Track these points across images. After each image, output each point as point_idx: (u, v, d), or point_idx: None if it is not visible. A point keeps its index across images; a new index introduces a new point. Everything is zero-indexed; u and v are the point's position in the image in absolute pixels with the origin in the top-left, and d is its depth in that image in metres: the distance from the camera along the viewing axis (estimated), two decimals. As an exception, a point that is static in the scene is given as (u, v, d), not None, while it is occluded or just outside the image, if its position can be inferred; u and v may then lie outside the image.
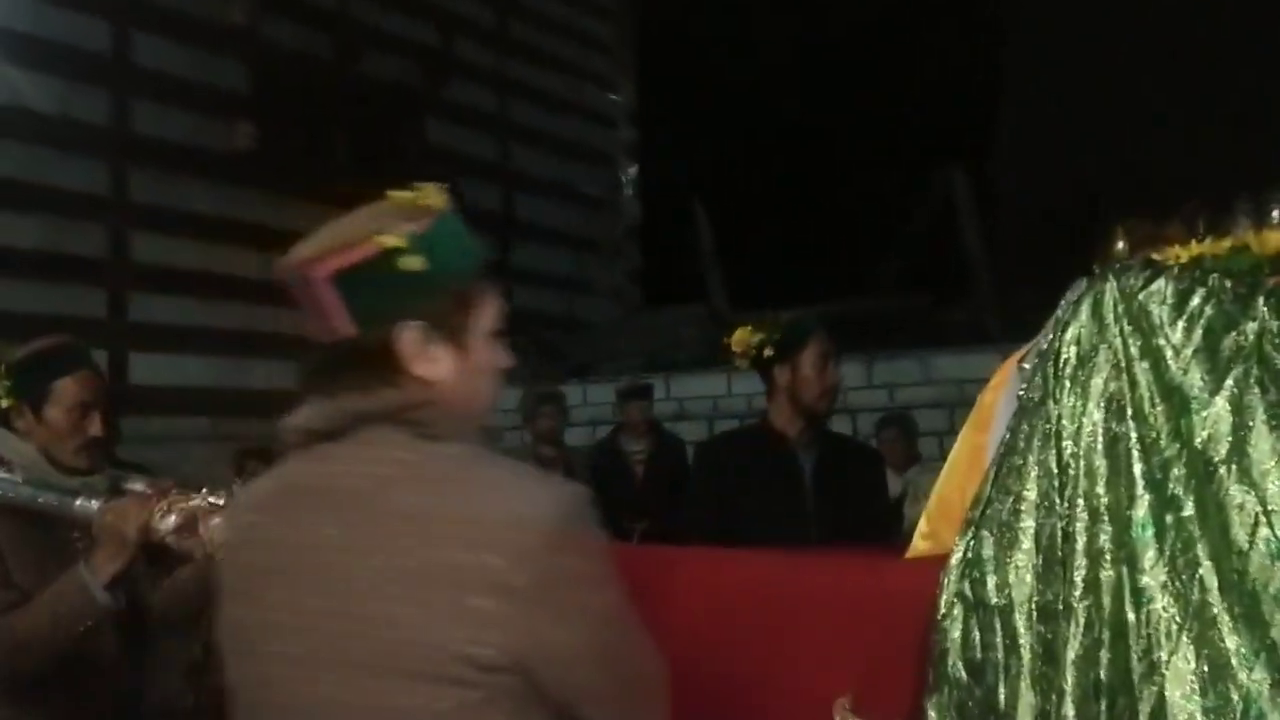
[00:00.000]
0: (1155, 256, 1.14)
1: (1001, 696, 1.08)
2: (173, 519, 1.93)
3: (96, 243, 6.14)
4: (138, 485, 2.09)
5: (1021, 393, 1.18)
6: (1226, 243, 1.12)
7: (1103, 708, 1.01)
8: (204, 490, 1.99)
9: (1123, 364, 1.08)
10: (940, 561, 1.17)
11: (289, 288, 1.21)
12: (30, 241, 5.74)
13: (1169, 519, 1.02)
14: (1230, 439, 1.02)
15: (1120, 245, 1.26)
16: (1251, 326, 1.04)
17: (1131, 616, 1.01)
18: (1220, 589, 0.99)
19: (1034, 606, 1.08)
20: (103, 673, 2.12)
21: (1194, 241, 1.13)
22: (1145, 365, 1.07)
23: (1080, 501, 1.07)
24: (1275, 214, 1.14)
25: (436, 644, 1.06)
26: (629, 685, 1.15)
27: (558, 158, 9.16)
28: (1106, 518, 1.05)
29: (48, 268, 5.80)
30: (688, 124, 10.14)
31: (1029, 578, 1.09)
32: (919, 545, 1.30)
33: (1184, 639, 0.99)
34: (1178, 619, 0.99)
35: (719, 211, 10.13)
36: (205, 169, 6.54)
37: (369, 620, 1.08)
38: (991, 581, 1.11)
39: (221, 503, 1.93)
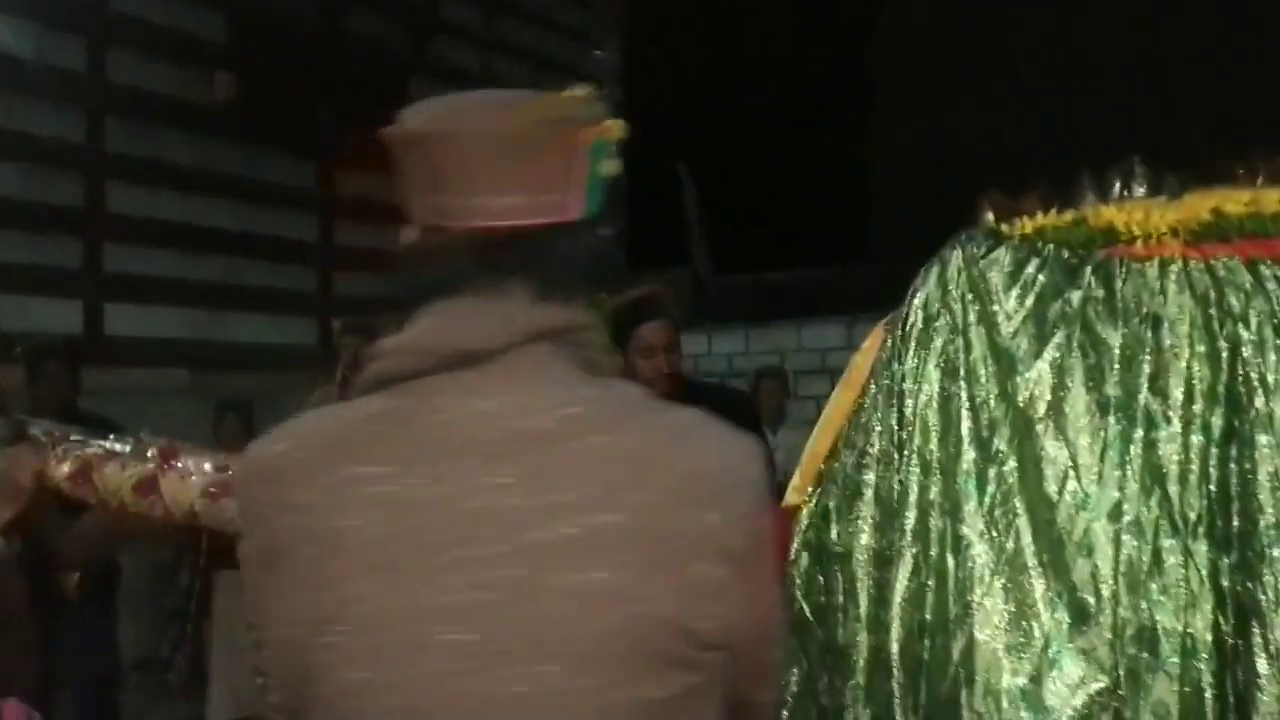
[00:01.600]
0: (1003, 228, 1.20)
1: (840, 637, 1.16)
2: (66, 466, 1.91)
3: (72, 193, 6.15)
4: (38, 432, 2.06)
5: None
6: (1068, 216, 1.18)
7: (925, 647, 1.09)
8: (110, 438, 1.99)
9: (960, 327, 1.14)
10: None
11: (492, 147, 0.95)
12: (5, 190, 5.76)
13: (991, 472, 1.09)
14: (1049, 399, 1.09)
15: (987, 217, 1.32)
16: (1077, 295, 1.11)
17: (951, 562, 1.09)
18: (1033, 537, 1.07)
19: (871, 554, 1.16)
20: (11, 618, 2.13)
21: (1039, 214, 1.20)
22: (980, 329, 1.13)
23: (915, 456, 1.14)
24: (1116, 189, 1.20)
25: (657, 618, 0.88)
26: (777, 669, 1.07)
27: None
28: (937, 471, 1.12)
29: (24, 217, 5.83)
30: (674, 85, 10.14)
31: (868, 527, 1.17)
32: (790, 498, 1.38)
33: (996, 583, 1.06)
34: (991, 564, 1.07)
35: (704, 175, 10.15)
36: (184, 121, 6.55)
37: (565, 593, 0.88)
38: (835, 530, 1.18)
39: (123, 450, 1.93)
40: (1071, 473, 1.07)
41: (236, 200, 6.88)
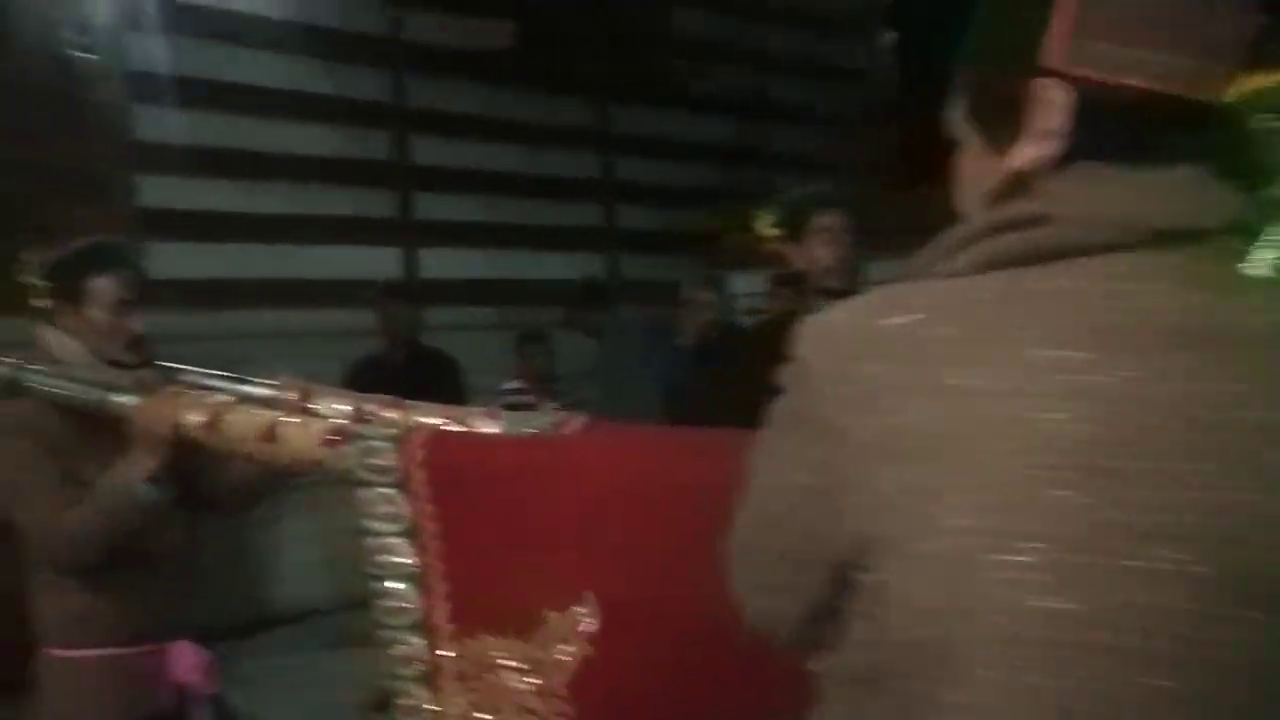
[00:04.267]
0: None
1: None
2: (198, 415, 1.91)
3: (381, 147, 6.61)
4: (184, 380, 2.09)
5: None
6: None
7: None
8: (251, 382, 1.97)
9: None
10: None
11: None
12: (323, 149, 6.27)
13: None
14: None
15: None
16: None
17: None
18: None
19: None
20: (165, 559, 2.22)
21: None
22: None
23: None
24: None
25: None
26: None
27: (808, 32, 8.85)
28: None
29: (341, 173, 6.33)
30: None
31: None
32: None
33: None
34: None
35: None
36: (474, 70, 6.87)
37: None
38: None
39: (259, 394, 1.90)
40: None
41: (525, 144, 7.17)
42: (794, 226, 2.48)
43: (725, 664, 1.41)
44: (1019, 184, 0.85)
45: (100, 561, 2.05)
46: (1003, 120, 0.86)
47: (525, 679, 1.49)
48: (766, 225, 2.50)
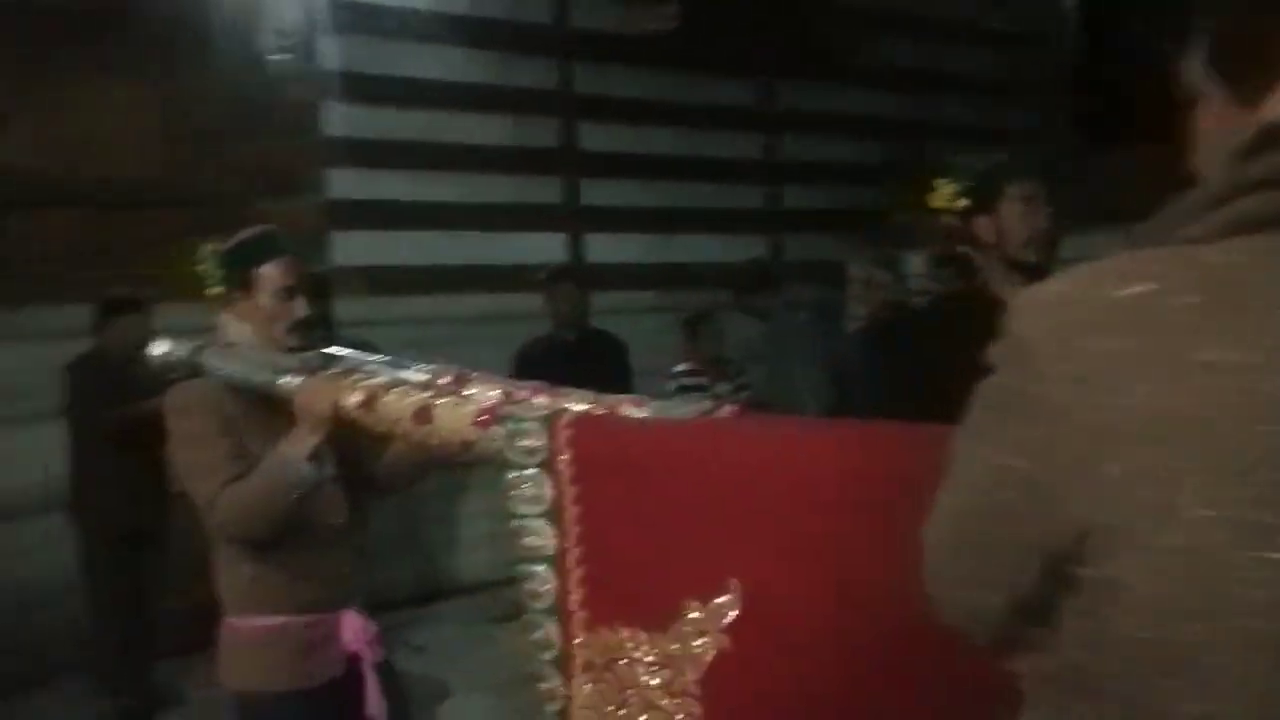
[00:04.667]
0: None
1: None
2: (357, 396, 1.99)
3: (548, 135, 6.76)
4: (344, 364, 2.17)
5: None
6: None
7: None
8: (408, 366, 2.02)
9: None
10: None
11: None
12: (491, 138, 6.45)
13: None
14: None
15: None
16: None
17: None
18: None
19: None
20: (331, 534, 2.30)
21: None
22: None
23: None
24: None
25: None
26: None
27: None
28: None
29: (508, 160, 6.51)
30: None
31: None
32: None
33: None
34: None
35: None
36: (638, 56, 6.92)
37: None
38: None
39: (415, 378, 1.95)
40: None
41: (689, 126, 7.19)
42: (983, 198, 2.31)
43: (870, 662, 1.38)
44: (1270, 139, 0.76)
45: (266, 534, 2.16)
46: (1252, 69, 0.78)
47: (655, 675, 1.48)
48: (949, 197, 2.35)
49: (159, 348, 2.29)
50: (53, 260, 5.26)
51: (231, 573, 2.26)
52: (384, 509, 4.10)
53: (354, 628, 2.32)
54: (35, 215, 5.29)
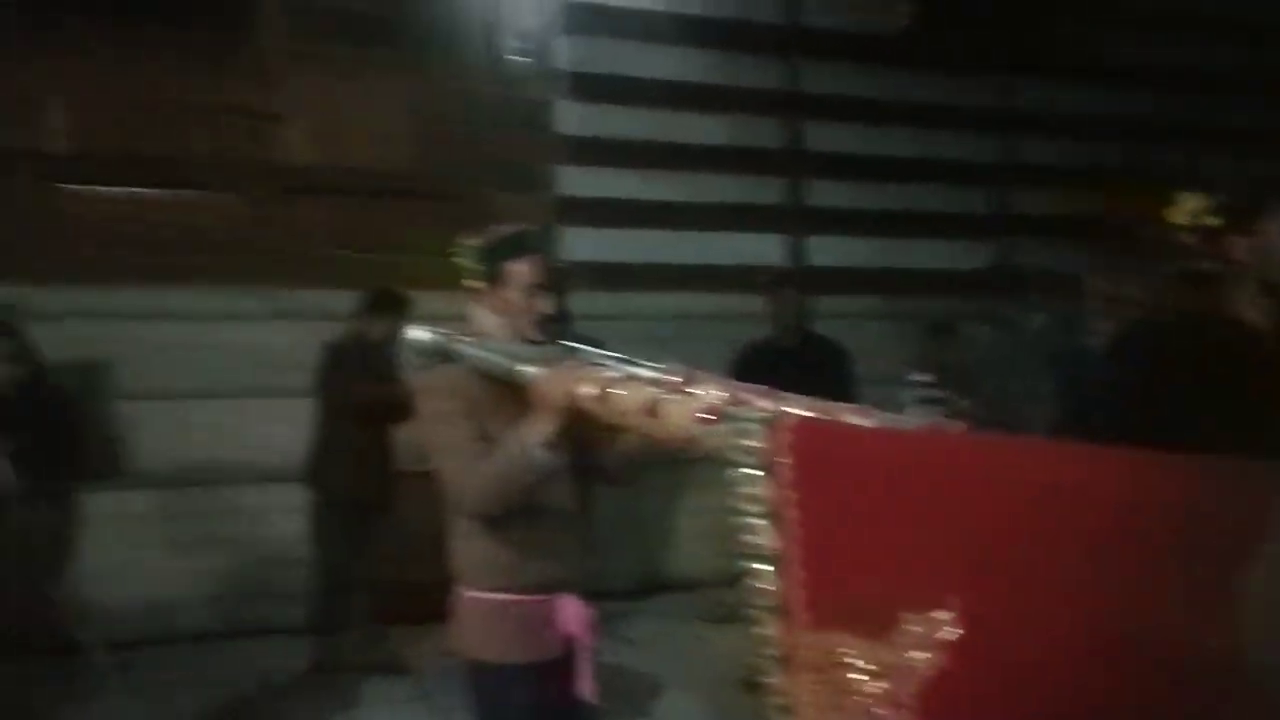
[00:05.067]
0: None
1: None
2: (590, 388, 2.07)
3: (774, 135, 6.76)
4: (580, 357, 2.25)
5: None
6: None
7: None
8: (638, 363, 2.08)
9: None
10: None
11: None
12: (715, 138, 6.50)
13: None
14: None
15: None
16: None
17: None
18: None
19: None
20: (559, 519, 2.39)
21: None
22: None
23: None
24: None
25: None
26: None
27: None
28: None
29: (731, 161, 6.55)
30: None
31: None
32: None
33: None
34: None
35: None
36: (868, 54, 6.81)
37: None
38: None
39: (644, 374, 1.99)
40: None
41: (920, 127, 7.00)
42: (1244, 217, 2.14)
43: (1097, 690, 1.33)
44: None
45: (500, 513, 2.28)
46: None
47: (873, 682, 1.48)
48: (1197, 212, 2.22)
49: (415, 333, 2.46)
50: (317, 245, 5.77)
51: (466, 547, 2.40)
52: (606, 500, 4.23)
53: (573, 611, 2.42)
54: (302, 204, 5.81)
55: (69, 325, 4.88)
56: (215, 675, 4.72)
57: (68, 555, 4.20)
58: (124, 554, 4.92)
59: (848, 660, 1.50)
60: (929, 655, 1.44)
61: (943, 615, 1.44)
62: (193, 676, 4.69)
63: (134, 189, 5.62)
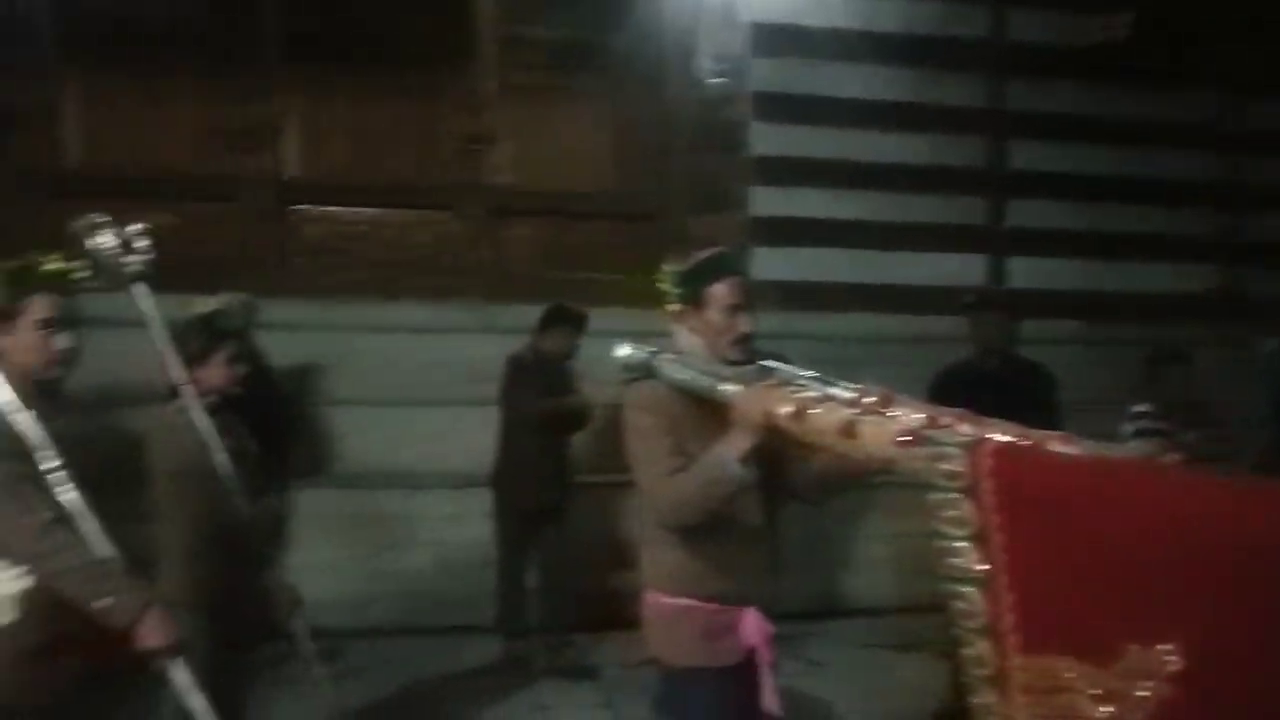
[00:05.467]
0: None
1: None
2: (787, 407, 2.09)
3: (974, 153, 6.57)
4: (776, 376, 2.28)
5: None
6: None
7: None
8: (835, 384, 2.08)
9: None
10: None
11: None
12: (913, 158, 6.38)
13: None
14: None
15: None
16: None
17: None
18: None
19: None
20: (748, 535, 2.44)
21: None
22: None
23: None
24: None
25: None
26: None
27: None
28: None
29: (930, 180, 6.40)
30: None
31: None
32: None
33: None
34: None
35: None
36: (1077, 69, 6.53)
37: None
38: None
39: (841, 395, 1.99)
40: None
41: (1132, 145, 6.65)
42: None
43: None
44: None
45: (695, 523, 2.37)
46: None
47: (1101, 707, 1.45)
48: None
49: (622, 350, 2.57)
50: (521, 262, 6.04)
51: (658, 554, 2.49)
52: (792, 520, 4.20)
53: (754, 624, 2.48)
54: (508, 223, 6.11)
55: (291, 335, 5.26)
56: (409, 669, 4.97)
57: (282, 548, 4.51)
58: (327, 550, 5.24)
59: (1072, 685, 1.48)
60: (1154, 686, 1.41)
61: (1166, 648, 1.41)
62: (388, 668, 4.96)
63: (355, 209, 6.04)
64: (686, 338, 2.51)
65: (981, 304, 4.85)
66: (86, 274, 2.40)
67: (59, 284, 2.35)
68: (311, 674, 3.02)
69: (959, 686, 2.07)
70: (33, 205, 5.14)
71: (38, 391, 2.35)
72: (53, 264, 2.35)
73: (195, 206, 5.78)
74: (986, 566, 1.57)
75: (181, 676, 2.35)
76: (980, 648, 1.59)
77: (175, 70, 5.76)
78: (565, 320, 4.98)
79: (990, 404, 2.02)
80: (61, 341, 2.35)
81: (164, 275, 2.51)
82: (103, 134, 5.74)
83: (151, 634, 2.28)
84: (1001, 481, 1.59)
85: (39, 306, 2.33)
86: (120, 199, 4.20)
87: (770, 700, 2.47)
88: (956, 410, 1.92)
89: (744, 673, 2.47)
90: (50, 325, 2.33)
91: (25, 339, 2.31)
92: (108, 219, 2.44)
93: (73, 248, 2.39)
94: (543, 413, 4.91)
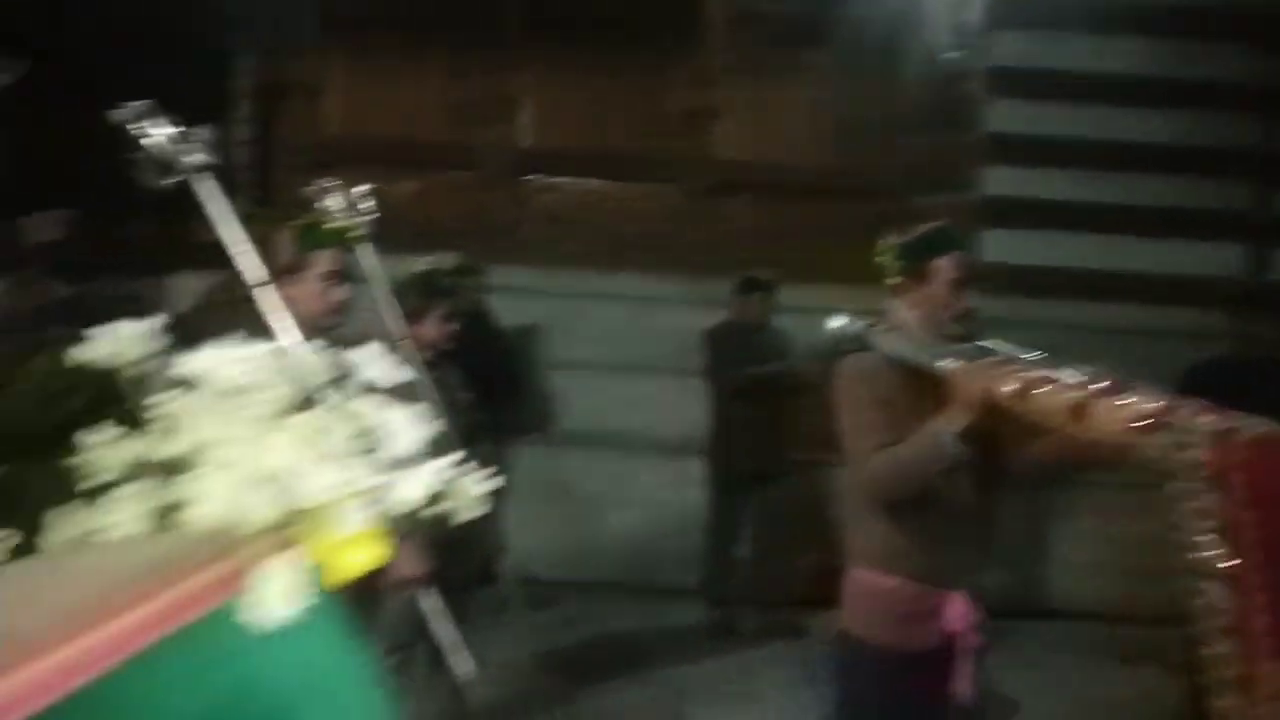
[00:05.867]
0: None
1: None
2: (1010, 385, 2.03)
3: (1237, 133, 6.04)
4: (997, 356, 2.19)
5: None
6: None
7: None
8: (1065, 368, 1.97)
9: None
10: None
11: None
12: (1166, 136, 5.93)
13: None
14: None
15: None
16: None
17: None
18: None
19: None
20: (960, 517, 2.35)
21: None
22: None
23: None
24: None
25: None
26: None
27: None
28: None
29: (1185, 161, 5.93)
30: None
31: None
32: None
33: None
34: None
35: None
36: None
37: None
38: None
39: (1071, 379, 1.90)
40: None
41: None
42: None
43: None
44: None
45: (901, 497, 2.33)
46: None
47: None
48: None
49: (835, 322, 2.54)
50: (741, 236, 6.07)
51: (864, 528, 2.44)
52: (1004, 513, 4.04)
53: (958, 609, 2.39)
54: (730, 198, 6.15)
55: (518, 299, 5.49)
56: (616, 622, 5.16)
57: (500, 498, 4.75)
58: (546, 505, 5.46)
59: None
60: None
61: None
62: (597, 620, 5.16)
63: (583, 180, 6.24)
64: (904, 312, 2.46)
65: (1243, 297, 4.49)
66: (362, 234, 2.56)
67: (338, 241, 2.52)
68: (515, 616, 3.16)
69: (1196, 707, 1.94)
70: (295, 174, 5.58)
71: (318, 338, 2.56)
72: (336, 223, 2.52)
73: (438, 175, 6.17)
74: (1235, 563, 1.48)
75: (433, 604, 2.51)
76: (1225, 648, 1.50)
77: (424, 47, 6.12)
78: (755, 288, 5.09)
79: (1245, 402, 1.87)
80: (340, 294, 2.51)
81: (407, 238, 2.67)
82: (358, 107, 6.18)
83: (407, 564, 2.43)
84: (1254, 476, 1.49)
85: (324, 260, 2.48)
86: (372, 167, 4.53)
87: (963, 686, 2.38)
88: (1200, 401, 1.80)
89: (937, 657, 2.39)
90: (332, 278, 2.49)
91: (310, 289, 2.45)
92: (338, 183, 2.58)
93: (304, 210, 2.55)
94: (747, 380, 5.00)
